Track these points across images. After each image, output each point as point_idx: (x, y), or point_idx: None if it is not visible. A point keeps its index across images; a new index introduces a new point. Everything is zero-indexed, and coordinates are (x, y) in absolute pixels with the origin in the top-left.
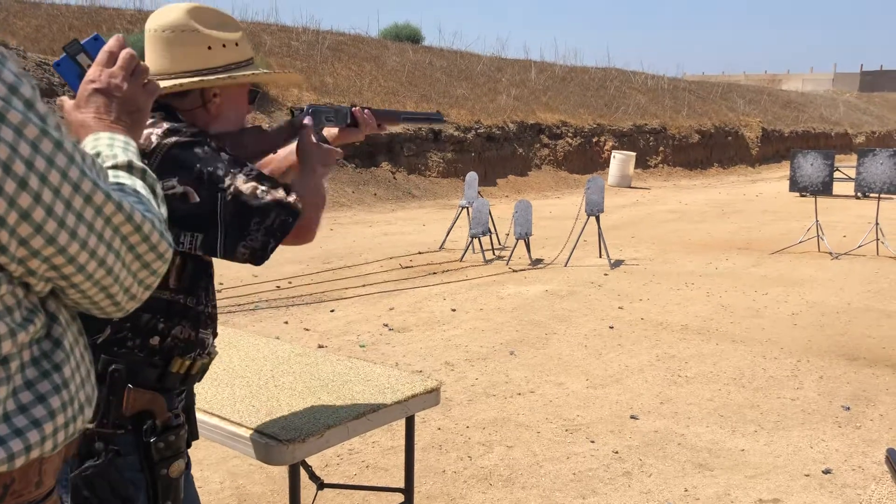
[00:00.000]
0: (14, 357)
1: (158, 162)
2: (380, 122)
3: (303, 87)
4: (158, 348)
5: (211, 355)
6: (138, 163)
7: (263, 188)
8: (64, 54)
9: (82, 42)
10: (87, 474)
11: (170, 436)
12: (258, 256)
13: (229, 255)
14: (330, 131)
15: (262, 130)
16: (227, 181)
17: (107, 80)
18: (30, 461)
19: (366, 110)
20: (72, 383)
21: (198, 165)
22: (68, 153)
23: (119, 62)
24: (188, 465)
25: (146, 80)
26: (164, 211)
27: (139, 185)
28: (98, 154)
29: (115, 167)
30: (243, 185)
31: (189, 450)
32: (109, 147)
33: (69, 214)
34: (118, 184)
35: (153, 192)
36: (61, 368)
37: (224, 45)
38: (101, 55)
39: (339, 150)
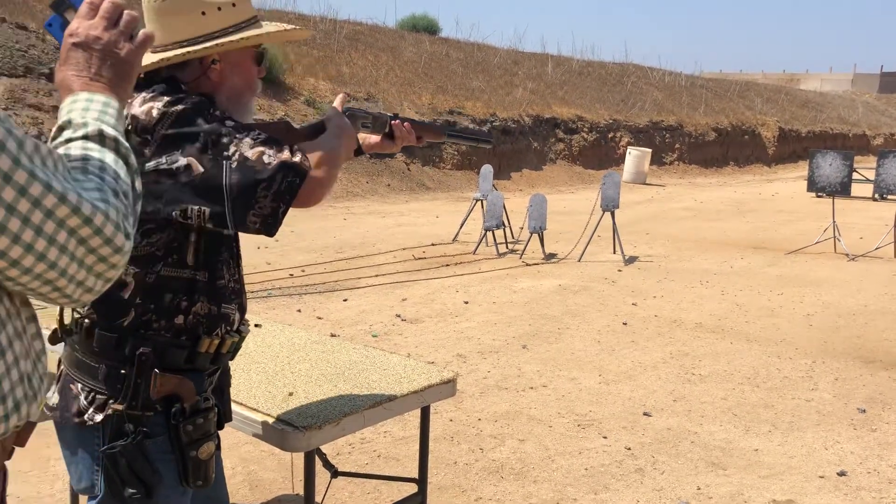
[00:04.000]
0: None
1: (161, 136)
2: (420, 136)
3: (319, 77)
4: (184, 327)
5: (241, 333)
6: (110, 131)
7: (270, 152)
8: (53, 13)
9: None
10: (113, 451)
11: (198, 419)
12: (269, 224)
13: (241, 226)
14: (365, 138)
15: (290, 126)
16: (232, 149)
17: (85, 33)
18: None
19: (405, 123)
20: (5, 380)
21: (201, 135)
22: (12, 155)
23: (100, 12)
24: (218, 447)
25: (133, 31)
26: (138, 184)
27: (109, 157)
28: (69, 122)
29: (85, 137)
30: (249, 150)
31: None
32: (84, 111)
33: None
34: (84, 158)
35: (126, 163)
36: None
37: (219, 8)
38: (83, 7)
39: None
